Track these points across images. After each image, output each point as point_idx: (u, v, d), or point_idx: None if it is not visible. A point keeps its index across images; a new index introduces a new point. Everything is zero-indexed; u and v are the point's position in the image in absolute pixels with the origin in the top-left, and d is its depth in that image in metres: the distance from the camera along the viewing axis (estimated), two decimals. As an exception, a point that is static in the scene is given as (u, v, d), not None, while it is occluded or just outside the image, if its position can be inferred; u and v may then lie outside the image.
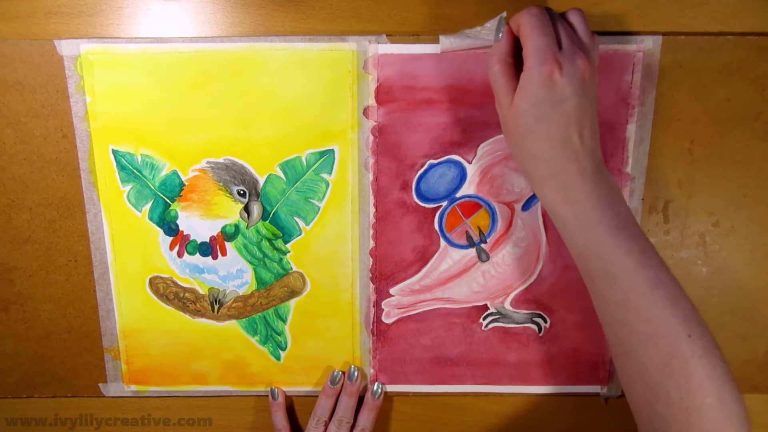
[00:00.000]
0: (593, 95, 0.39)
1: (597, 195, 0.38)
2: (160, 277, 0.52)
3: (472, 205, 0.50)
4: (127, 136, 0.49)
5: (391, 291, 0.52)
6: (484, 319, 0.53)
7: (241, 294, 0.53)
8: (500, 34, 0.41)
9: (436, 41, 0.46)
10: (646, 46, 0.46)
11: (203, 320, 0.53)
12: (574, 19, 0.40)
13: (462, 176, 0.49)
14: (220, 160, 0.49)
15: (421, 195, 0.50)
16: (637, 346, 0.38)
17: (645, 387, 0.39)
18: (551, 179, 0.39)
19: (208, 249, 0.51)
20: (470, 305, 0.52)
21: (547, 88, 0.37)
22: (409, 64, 0.47)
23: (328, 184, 0.50)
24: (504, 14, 0.41)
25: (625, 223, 0.39)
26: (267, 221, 0.51)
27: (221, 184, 0.50)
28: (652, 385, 0.38)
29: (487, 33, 0.43)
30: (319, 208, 0.50)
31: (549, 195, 0.40)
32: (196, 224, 0.51)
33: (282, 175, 0.50)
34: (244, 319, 0.53)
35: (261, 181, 0.50)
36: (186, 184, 0.50)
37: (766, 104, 0.48)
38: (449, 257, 0.51)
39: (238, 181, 0.50)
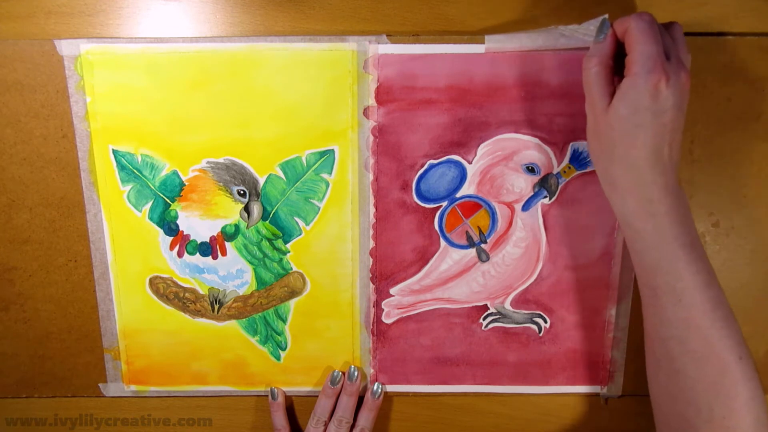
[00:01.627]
0: (685, 111, 0.39)
1: (677, 211, 0.39)
2: (160, 277, 0.52)
3: (472, 205, 0.50)
4: (127, 136, 0.49)
5: (391, 291, 0.52)
6: (484, 319, 0.53)
7: (241, 294, 0.53)
8: (602, 36, 0.40)
9: (437, 41, 0.46)
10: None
11: (203, 320, 0.53)
12: (676, 32, 0.40)
13: (462, 176, 0.49)
14: (221, 160, 0.49)
15: (421, 195, 0.50)
16: (690, 363, 0.40)
17: (688, 403, 0.40)
18: (636, 189, 0.39)
19: (208, 249, 0.51)
20: (470, 305, 0.52)
21: (652, 97, 0.37)
22: (409, 64, 0.47)
23: (328, 184, 0.50)
24: (606, 16, 0.40)
25: (696, 242, 0.40)
26: (267, 221, 0.51)
27: (221, 184, 0.50)
28: (697, 402, 0.40)
29: (584, 33, 0.42)
30: (319, 208, 0.50)
31: (631, 205, 0.40)
32: (196, 224, 0.51)
33: (282, 175, 0.50)
34: (244, 319, 0.53)
35: (261, 181, 0.50)
36: (186, 184, 0.50)
37: (766, 104, 0.48)
38: (449, 257, 0.51)
39: (238, 181, 0.50)
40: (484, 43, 0.46)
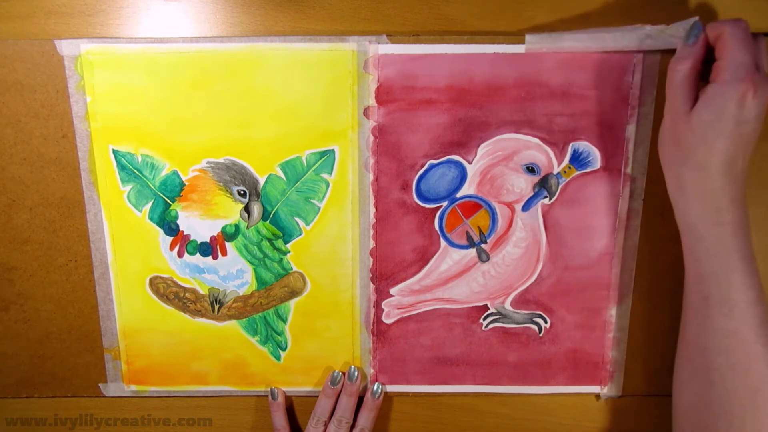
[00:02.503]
0: (762, 124, 0.39)
1: (741, 222, 0.40)
2: (161, 277, 0.52)
3: (473, 206, 0.50)
4: (128, 136, 0.49)
5: (392, 291, 0.52)
6: (484, 319, 0.53)
7: (241, 294, 0.53)
8: (692, 39, 0.40)
9: (437, 41, 0.46)
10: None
11: (203, 320, 0.53)
12: (761, 44, 0.40)
13: (462, 176, 0.49)
14: (221, 160, 0.49)
15: (421, 195, 0.50)
16: (729, 375, 0.40)
17: (720, 414, 0.41)
18: (706, 196, 0.40)
19: (209, 249, 0.51)
20: (470, 305, 0.52)
21: (738, 106, 0.37)
22: (409, 64, 0.47)
23: (328, 184, 0.50)
24: (697, 18, 0.41)
25: (752, 256, 0.40)
26: (267, 221, 0.51)
27: (221, 184, 0.50)
28: (730, 414, 0.40)
29: (671, 35, 0.42)
30: (319, 208, 0.50)
31: (698, 212, 0.40)
32: (197, 224, 0.51)
33: (282, 175, 0.50)
34: (244, 319, 0.53)
35: (261, 181, 0.50)
36: (186, 184, 0.50)
37: (766, 104, 0.48)
38: (449, 257, 0.51)
39: (238, 181, 0.50)
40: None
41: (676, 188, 0.42)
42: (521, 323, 0.53)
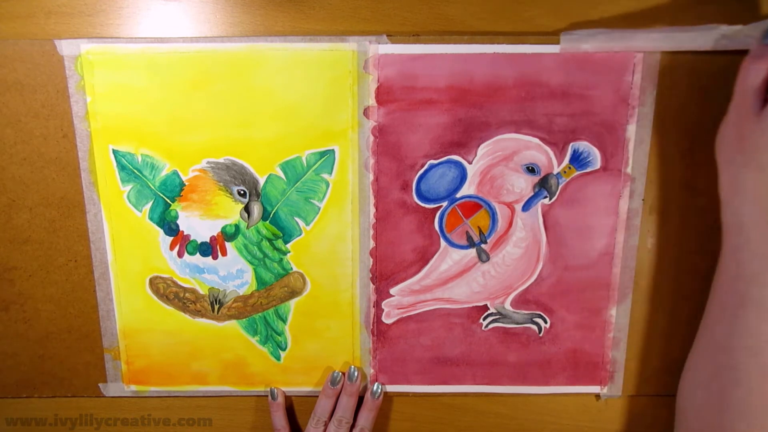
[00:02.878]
0: None
1: None
2: (161, 277, 0.52)
3: (473, 206, 0.50)
4: (128, 136, 0.49)
5: (392, 291, 0.52)
6: (484, 319, 0.53)
7: (241, 294, 0.53)
8: None
9: (437, 41, 0.46)
10: (647, 46, 0.46)
11: (203, 320, 0.53)
12: None
13: (462, 176, 0.49)
14: (221, 160, 0.49)
15: (421, 195, 0.50)
16: (757, 376, 0.40)
17: (740, 416, 0.41)
18: (763, 198, 0.40)
19: (209, 249, 0.51)
20: (470, 305, 0.52)
21: None
22: (409, 64, 0.47)
23: (328, 184, 0.50)
24: None
25: None
26: (267, 221, 0.51)
27: (221, 184, 0.50)
28: (755, 416, 0.40)
29: (747, 34, 0.42)
30: (319, 208, 0.50)
31: (751, 213, 0.40)
32: (197, 224, 0.51)
33: (282, 175, 0.50)
34: (244, 319, 0.53)
35: (261, 181, 0.50)
36: (186, 184, 0.50)
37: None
38: (449, 257, 0.51)
39: (238, 181, 0.50)
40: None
41: (731, 188, 0.41)
42: (521, 323, 0.53)
